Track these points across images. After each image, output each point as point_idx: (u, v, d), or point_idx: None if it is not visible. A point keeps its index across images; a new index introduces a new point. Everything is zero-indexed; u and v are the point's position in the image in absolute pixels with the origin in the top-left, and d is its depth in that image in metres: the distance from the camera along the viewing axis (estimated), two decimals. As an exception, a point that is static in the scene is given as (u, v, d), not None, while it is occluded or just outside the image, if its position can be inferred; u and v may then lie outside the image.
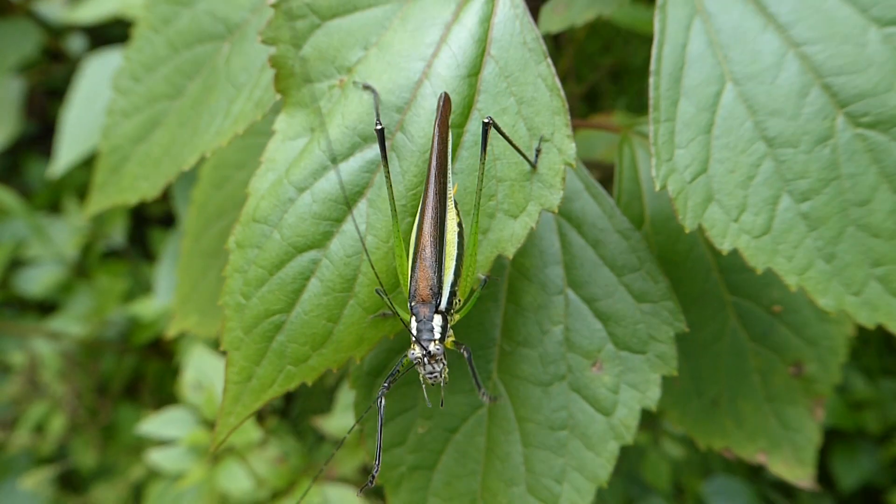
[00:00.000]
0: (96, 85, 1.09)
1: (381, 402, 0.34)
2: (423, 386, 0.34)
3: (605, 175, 0.77)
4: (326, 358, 0.35)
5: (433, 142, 0.34)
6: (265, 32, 0.35)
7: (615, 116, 0.90)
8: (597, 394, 0.43)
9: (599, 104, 1.27)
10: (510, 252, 0.36)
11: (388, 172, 0.33)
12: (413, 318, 0.34)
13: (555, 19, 0.60)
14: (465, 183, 0.36)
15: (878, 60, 0.37)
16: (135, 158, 0.49)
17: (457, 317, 0.35)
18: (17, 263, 1.30)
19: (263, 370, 0.35)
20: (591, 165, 0.73)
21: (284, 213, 0.35)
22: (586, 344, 0.43)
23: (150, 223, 1.45)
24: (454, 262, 0.35)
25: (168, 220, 1.44)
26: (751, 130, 0.38)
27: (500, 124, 0.36)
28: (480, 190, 0.33)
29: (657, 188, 0.37)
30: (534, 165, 0.36)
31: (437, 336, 0.33)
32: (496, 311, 0.44)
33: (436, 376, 0.33)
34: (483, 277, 0.36)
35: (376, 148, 0.35)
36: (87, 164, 1.37)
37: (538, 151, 0.36)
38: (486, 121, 0.33)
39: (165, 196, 1.43)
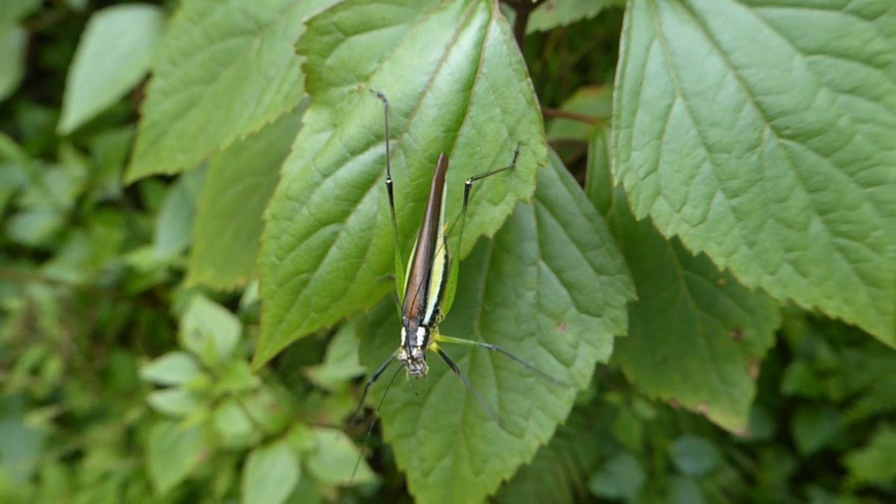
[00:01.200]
0: (105, 44, 1.14)
1: (367, 387, 0.46)
2: (408, 378, 0.44)
3: (585, 153, 0.84)
4: (342, 308, 0.44)
5: (430, 193, 0.43)
6: (299, 44, 0.43)
7: (603, 89, 0.96)
8: (560, 348, 0.52)
9: (590, 74, 1.31)
10: (490, 232, 0.44)
11: (394, 215, 0.42)
12: (403, 329, 0.44)
13: (544, 17, 0.67)
14: (458, 176, 0.44)
15: (800, 84, 0.45)
16: (172, 133, 0.57)
17: (438, 337, 0.45)
18: (12, 210, 1.33)
19: (292, 316, 0.44)
20: (573, 144, 0.81)
21: (311, 193, 0.43)
22: (553, 307, 0.52)
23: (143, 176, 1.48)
24: (438, 288, 0.44)
25: (162, 175, 1.47)
26: (694, 138, 0.46)
27: (486, 130, 0.44)
28: (461, 234, 0.42)
29: (615, 184, 0.45)
30: (513, 165, 0.44)
31: (420, 344, 0.43)
32: (479, 278, 0.53)
33: (418, 373, 0.43)
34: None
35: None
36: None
37: (517, 153, 0.44)
38: (468, 183, 0.43)
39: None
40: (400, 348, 0.43)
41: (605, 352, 0.52)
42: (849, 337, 1.22)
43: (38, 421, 1.18)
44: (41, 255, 1.40)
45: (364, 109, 0.43)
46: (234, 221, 0.73)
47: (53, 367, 1.23)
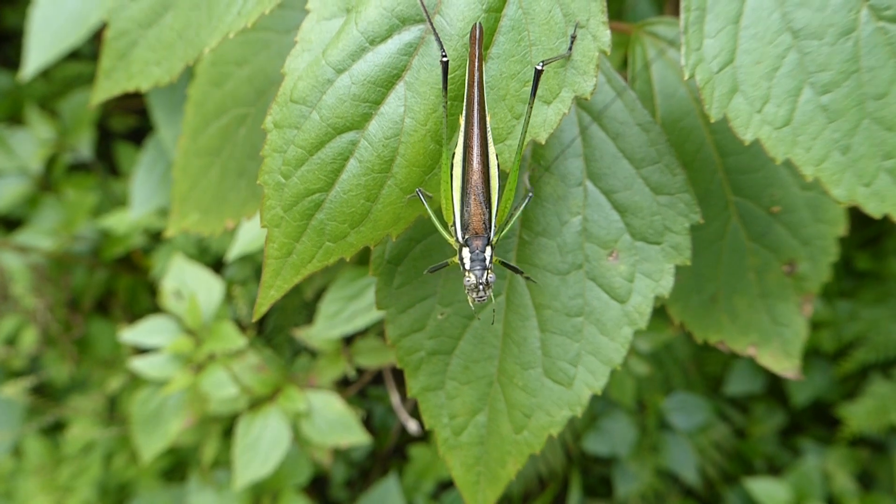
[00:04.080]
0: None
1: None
2: (470, 301, 0.37)
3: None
4: (364, 235, 0.36)
5: (472, 75, 0.35)
6: None
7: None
8: (612, 282, 0.45)
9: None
10: (542, 137, 0.36)
11: (447, 102, 0.34)
12: (466, 249, 0.36)
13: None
14: (501, 68, 0.36)
15: (904, -47, 0.38)
16: (144, 43, 0.48)
17: (494, 239, 0.38)
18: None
19: (303, 246, 0.36)
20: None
21: (323, 94, 0.35)
22: (603, 234, 0.45)
23: (114, 138, 1.41)
24: (496, 195, 0.37)
25: (134, 136, 1.40)
26: (778, 21, 0.38)
27: (536, 10, 0.36)
28: (524, 137, 0.33)
29: (686, 77, 0.38)
30: (568, 52, 0.36)
31: (489, 266, 0.36)
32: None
33: (484, 300, 0.36)
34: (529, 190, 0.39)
35: (414, 30, 0.35)
36: (46, 74, 1.31)
37: (573, 38, 0.36)
38: (538, 67, 0.34)
39: (130, 109, 1.39)
40: (466, 272, 0.35)
41: (666, 284, 0.44)
42: (841, 288, 1.19)
43: (14, 391, 1.11)
44: (10, 223, 1.33)
45: (384, -12, 0.35)
46: (219, 158, 0.64)
47: (29, 337, 1.17)
